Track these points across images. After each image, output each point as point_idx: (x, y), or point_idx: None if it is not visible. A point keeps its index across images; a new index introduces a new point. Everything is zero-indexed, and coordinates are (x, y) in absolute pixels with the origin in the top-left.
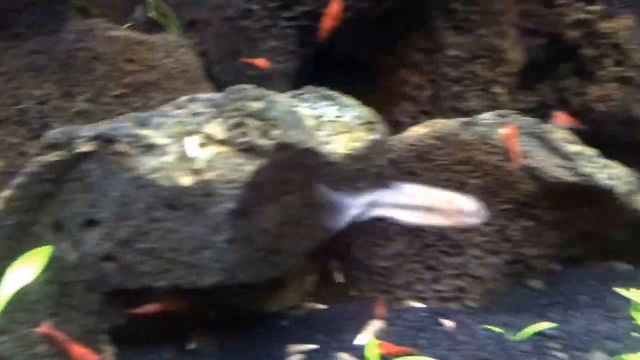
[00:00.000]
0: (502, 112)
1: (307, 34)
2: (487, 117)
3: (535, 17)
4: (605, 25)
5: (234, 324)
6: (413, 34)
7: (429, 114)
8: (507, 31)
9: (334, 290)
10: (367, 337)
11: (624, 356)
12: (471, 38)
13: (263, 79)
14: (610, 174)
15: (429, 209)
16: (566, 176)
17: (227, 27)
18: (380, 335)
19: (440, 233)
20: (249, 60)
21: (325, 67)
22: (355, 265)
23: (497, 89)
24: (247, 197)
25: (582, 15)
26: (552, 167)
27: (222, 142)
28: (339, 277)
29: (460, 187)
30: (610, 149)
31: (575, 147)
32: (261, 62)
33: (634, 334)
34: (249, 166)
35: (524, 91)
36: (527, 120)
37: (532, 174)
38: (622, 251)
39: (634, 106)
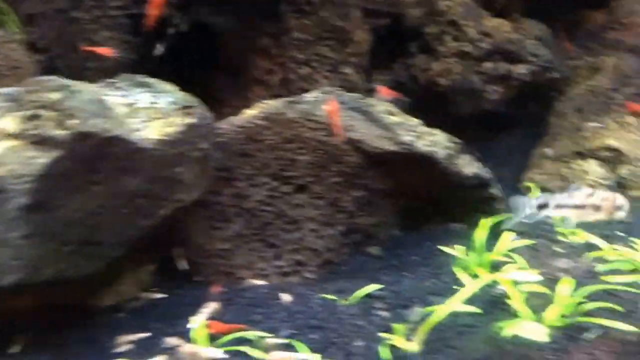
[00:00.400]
0: (327, 89)
1: (140, 23)
2: (311, 95)
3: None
4: (443, 3)
5: (66, 322)
6: (259, 18)
7: (281, 98)
8: (350, 13)
9: (178, 278)
10: (200, 319)
11: (435, 307)
12: (315, 20)
13: (104, 71)
14: (431, 141)
15: (593, 207)
16: (387, 146)
17: (61, 20)
18: (216, 316)
19: (277, 211)
20: (92, 50)
21: (179, 56)
22: (197, 251)
23: (347, 70)
24: (41, 190)
25: None
26: (374, 138)
27: (14, 136)
28: (182, 264)
29: (290, 164)
30: (458, 120)
31: (396, 118)
32: (105, 50)
33: (454, 287)
34: (42, 159)
35: (379, 70)
36: (351, 95)
37: (356, 146)
38: (454, 212)
39: (473, 78)
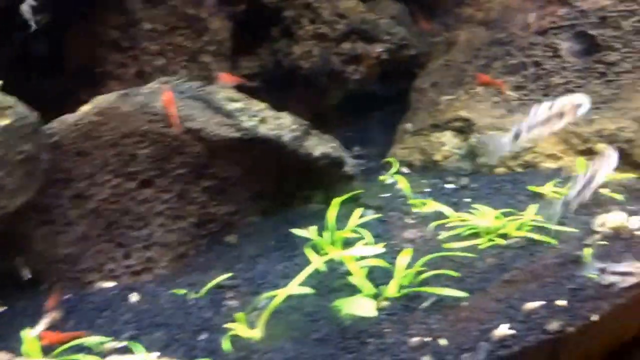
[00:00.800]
0: (164, 79)
1: None
2: (147, 86)
3: None
4: None
5: None
6: (103, 11)
7: None
8: (203, 0)
9: (22, 288)
10: (38, 330)
11: (275, 291)
12: (165, 10)
13: None
14: (276, 124)
15: (557, 115)
16: (229, 133)
17: None
18: (57, 325)
19: (123, 208)
20: None
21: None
22: (40, 258)
23: (206, 58)
24: None
25: None
26: (215, 126)
27: None
28: (25, 274)
29: (131, 159)
30: (326, 101)
31: (239, 104)
32: None
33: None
34: None
35: (244, 56)
36: (190, 84)
37: (197, 135)
38: (310, 193)
39: (332, 59)
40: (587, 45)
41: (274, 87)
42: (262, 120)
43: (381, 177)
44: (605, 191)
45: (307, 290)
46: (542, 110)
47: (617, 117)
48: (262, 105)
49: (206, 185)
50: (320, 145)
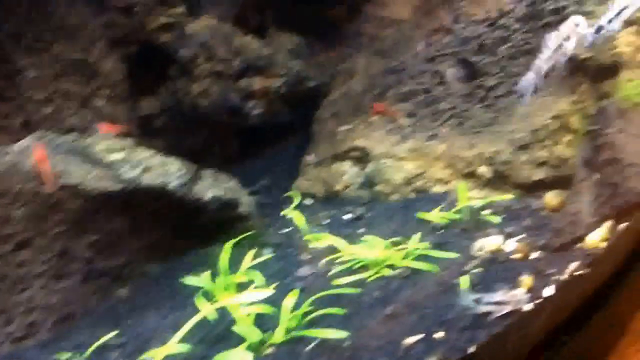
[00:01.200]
0: (39, 134)
1: None
2: (19, 144)
3: (118, 26)
4: (191, 26)
5: None
6: None
7: None
8: (92, 45)
9: None
10: None
11: (152, 351)
12: (50, 57)
13: None
14: (162, 172)
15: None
16: (109, 186)
17: None
18: None
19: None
20: None
21: None
22: None
23: (99, 103)
24: None
25: (167, 20)
26: (94, 180)
27: None
28: None
29: (4, 221)
30: (227, 138)
31: (119, 155)
32: None
33: None
34: None
35: (145, 97)
36: (66, 138)
37: (75, 191)
38: (205, 237)
39: (231, 96)
40: (468, 71)
41: (176, 126)
42: (146, 169)
43: (283, 212)
44: (485, 213)
45: (184, 348)
46: (550, 41)
47: (495, 140)
48: (147, 153)
49: (90, 241)
50: (212, 188)
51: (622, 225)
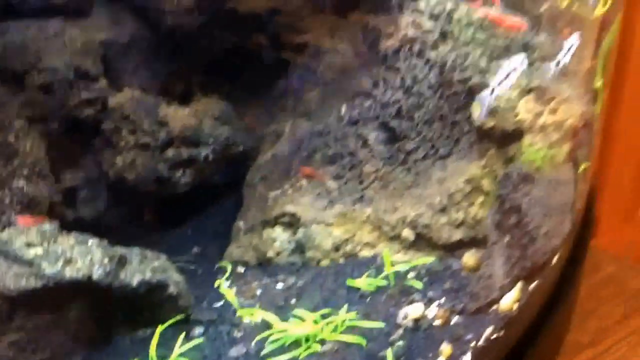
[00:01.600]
0: None
1: None
2: None
3: (38, 105)
4: (114, 100)
5: None
6: None
7: None
8: (9, 124)
9: None
10: None
11: None
12: None
13: None
14: (85, 262)
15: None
16: (28, 284)
17: None
18: None
19: None
20: None
21: None
22: None
23: (20, 183)
24: None
25: (89, 94)
26: (12, 279)
27: None
28: None
29: None
30: (156, 208)
31: (39, 249)
32: None
33: None
34: None
35: (68, 169)
36: None
37: None
38: (135, 322)
39: (158, 167)
40: (389, 135)
41: (101, 197)
42: (68, 261)
43: (217, 282)
44: (410, 276)
45: None
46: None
47: (417, 203)
48: (68, 242)
49: (12, 340)
50: (138, 273)
51: (532, 285)
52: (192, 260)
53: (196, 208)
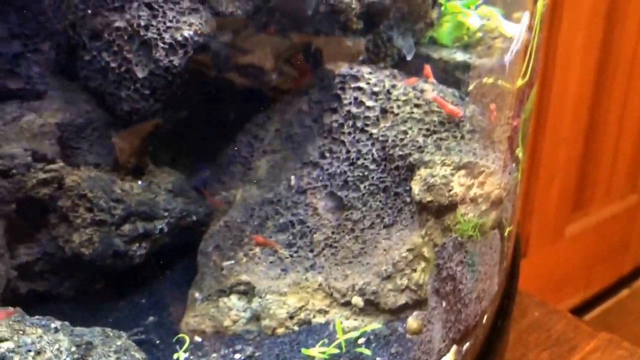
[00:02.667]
0: None
1: None
2: None
3: None
4: (70, 179)
5: None
6: None
7: None
8: None
9: None
10: None
11: None
12: None
13: None
14: (54, 351)
15: None
16: None
17: None
18: None
19: None
20: None
21: None
22: None
23: None
24: None
25: (46, 175)
26: None
27: None
28: None
29: None
30: (114, 280)
31: (10, 344)
32: None
33: None
34: None
35: (24, 244)
36: None
37: None
38: None
39: (114, 242)
40: (337, 204)
41: (56, 270)
42: (38, 353)
43: (176, 355)
44: (360, 342)
45: None
46: None
47: (364, 271)
48: (36, 332)
49: None
50: (103, 357)
51: (465, 346)
52: (148, 330)
53: (146, 275)
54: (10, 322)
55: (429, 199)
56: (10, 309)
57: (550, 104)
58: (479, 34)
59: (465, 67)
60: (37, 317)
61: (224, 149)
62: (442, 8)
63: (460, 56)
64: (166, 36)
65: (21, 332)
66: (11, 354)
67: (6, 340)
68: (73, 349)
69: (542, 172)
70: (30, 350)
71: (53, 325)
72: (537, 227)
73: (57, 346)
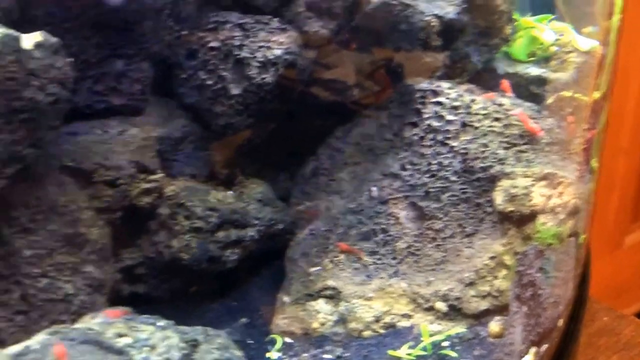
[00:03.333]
0: (54, 329)
1: None
2: (37, 340)
3: (104, 197)
4: (169, 189)
5: None
6: None
7: (27, 313)
8: (80, 217)
9: None
10: None
11: None
12: (44, 235)
13: None
14: (165, 346)
15: None
16: None
17: None
18: None
19: None
20: None
21: None
22: None
23: (89, 268)
24: None
25: (148, 185)
26: None
27: None
28: None
29: None
30: (209, 283)
31: (128, 339)
32: None
33: None
34: None
35: (126, 249)
36: (79, 329)
37: None
38: None
39: (210, 247)
40: (418, 214)
41: (155, 273)
42: (153, 347)
43: (268, 354)
44: (445, 345)
45: None
46: None
47: (447, 278)
48: (149, 330)
49: None
50: (208, 353)
51: (543, 348)
52: (240, 331)
53: (237, 279)
54: (126, 320)
55: (511, 209)
56: (124, 308)
57: (610, 114)
58: (553, 49)
59: (540, 81)
60: (146, 315)
61: (306, 161)
62: (516, 23)
63: (534, 70)
64: (258, 55)
65: (136, 329)
66: (128, 348)
67: (125, 335)
68: (182, 345)
69: (602, 182)
70: (145, 346)
71: (160, 324)
72: (597, 236)
73: (167, 342)
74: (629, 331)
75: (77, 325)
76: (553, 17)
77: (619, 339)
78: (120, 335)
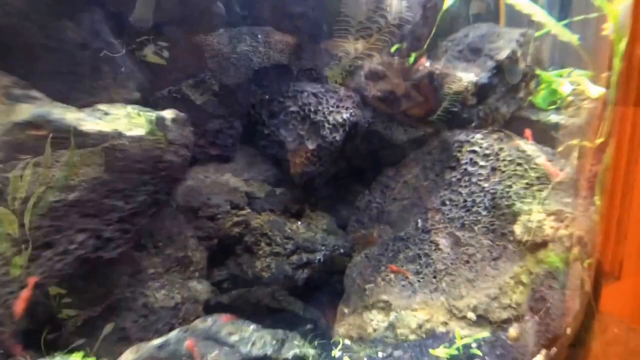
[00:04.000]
0: (185, 327)
1: None
2: (173, 335)
3: (205, 229)
4: (255, 222)
5: None
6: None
7: (147, 317)
8: (188, 244)
9: None
10: None
11: None
12: (163, 257)
13: None
14: (263, 343)
15: None
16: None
17: None
18: None
19: None
20: None
21: None
22: None
23: (192, 283)
24: None
25: (238, 219)
26: (224, 356)
27: None
28: None
29: None
30: (283, 299)
31: (237, 336)
32: None
33: None
34: None
35: (217, 267)
36: (202, 327)
37: None
38: None
39: (285, 268)
40: (455, 241)
41: (238, 287)
42: (253, 343)
43: (333, 352)
44: (473, 346)
45: None
46: None
47: (477, 293)
48: (249, 329)
49: None
50: (291, 349)
51: (552, 351)
52: (307, 335)
53: (303, 294)
54: (233, 323)
55: (527, 238)
56: (230, 315)
57: None
58: (570, 98)
59: (559, 127)
60: (242, 319)
61: (361, 196)
62: (539, 78)
63: (554, 118)
64: (330, 118)
65: (240, 330)
66: (237, 343)
67: (234, 334)
68: (273, 342)
69: (636, 199)
70: (248, 342)
71: (255, 327)
72: (630, 252)
73: (263, 339)
74: (639, 342)
75: (200, 326)
76: (573, 69)
77: (628, 348)
78: (231, 334)
